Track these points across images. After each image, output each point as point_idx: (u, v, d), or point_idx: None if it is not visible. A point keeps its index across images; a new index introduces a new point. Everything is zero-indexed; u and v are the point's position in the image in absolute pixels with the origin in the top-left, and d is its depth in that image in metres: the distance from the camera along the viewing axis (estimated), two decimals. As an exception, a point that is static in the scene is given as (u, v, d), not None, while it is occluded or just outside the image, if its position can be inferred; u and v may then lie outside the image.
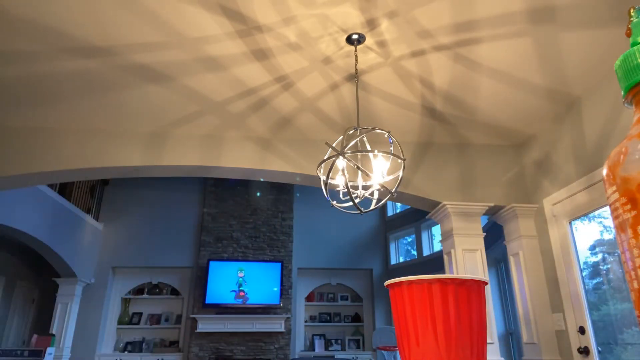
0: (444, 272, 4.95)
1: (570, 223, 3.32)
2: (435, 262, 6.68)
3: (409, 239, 7.89)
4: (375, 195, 2.56)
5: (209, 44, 2.65)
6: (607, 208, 2.67)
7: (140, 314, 7.27)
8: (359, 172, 2.46)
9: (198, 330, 6.69)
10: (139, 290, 7.40)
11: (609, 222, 3.13)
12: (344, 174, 2.44)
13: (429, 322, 0.47)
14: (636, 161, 0.36)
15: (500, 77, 2.96)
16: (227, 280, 6.96)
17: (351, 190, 2.41)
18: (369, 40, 2.61)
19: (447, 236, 3.78)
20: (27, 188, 5.02)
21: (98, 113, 3.43)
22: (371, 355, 7.28)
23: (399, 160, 2.40)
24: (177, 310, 7.32)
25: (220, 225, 7.36)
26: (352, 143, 2.43)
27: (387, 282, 0.51)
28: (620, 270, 3.04)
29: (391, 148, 2.51)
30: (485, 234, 3.72)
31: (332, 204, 2.60)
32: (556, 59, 2.78)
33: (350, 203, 2.45)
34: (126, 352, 6.89)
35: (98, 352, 6.70)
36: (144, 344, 7.00)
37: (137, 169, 3.69)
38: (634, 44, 0.43)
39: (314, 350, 7.29)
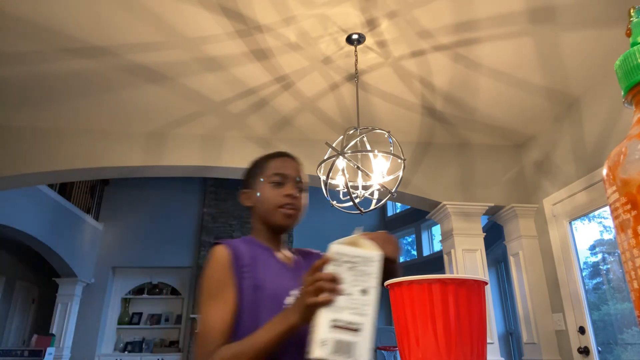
0: (444, 272, 4.96)
1: (570, 223, 3.33)
2: (435, 262, 6.68)
3: (409, 239, 7.90)
4: (375, 195, 2.56)
5: (209, 44, 2.65)
6: (607, 208, 2.68)
7: (140, 314, 7.27)
8: (359, 172, 2.46)
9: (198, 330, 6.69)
10: (139, 290, 7.40)
11: (609, 222, 3.13)
12: (344, 174, 2.44)
13: (429, 322, 0.47)
14: (636, 161, 0.36)
15: (500, 77, 2.96)
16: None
17: (351, 190, 2.41)
18: (369, 40, 2.61)
19: (447, 236, 3.78)
20: (27, 188, 5.02)
21: (98, 113, 3.43)
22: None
23: (399, 160, 2.40)
24: (177, 310, 7.32)
25: (220, 225, 7.36)
26: (352, 143, 2.43)
27: (387, 282, 0.51)
28: (620, 270, 3.05)
29: (391, 148, 2.51)
30: (485, 234, 3.72)
31: (332, 204, 2.60)
32: (556, 59, 2.78)
33: (350, 203, 2.45)
34: (126, 352, 6.89)
35: (98, 352, 6.70)
36: (144, 344, 7.00)
37: (137, 169, 3.70)
38: (634, 44, 0.43)
39: (314, 350, 7.30)
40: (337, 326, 0.73)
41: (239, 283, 1.01)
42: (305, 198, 1.17)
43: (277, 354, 0.90)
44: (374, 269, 0.78)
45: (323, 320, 0.74)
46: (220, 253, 1.04)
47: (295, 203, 1.12)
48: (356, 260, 0.78)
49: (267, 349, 0.87)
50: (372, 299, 0.75)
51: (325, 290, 0.76)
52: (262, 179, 1.15)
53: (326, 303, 0.75)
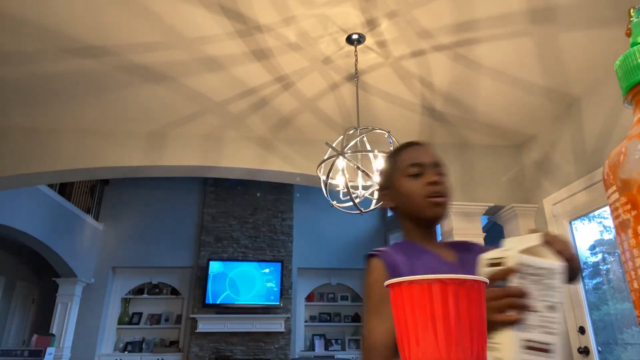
0: (444, 272, 4.93)
1: (570, 223, 3.32)
2: (435, 262, 6.66)
3: (409, 239, 7.89)
4: (375, 195, 2.56)
5: (209, 44, 2.65)
6: (607, 208, 2.68)
7: (140, 314, 7.27)
8: (359, 172, 2.46)
9: (198, 330, 6.69)
10: (139, 290, 7.40)
11: (609, 222, 3.13)
12: (344, 174, 2.44)
13: (429, 322, 0.47)
14: (636, 161, 0.36)
15: (500, 77, 2.96)
16: (227, 280, 6.96)
17: (351, 190, 2.41)
18: (369, 40, 2.61)
19: (447, 236, 3.78)
20: (27, 188, 5.02)
21: (98, 113, 3.43)
22: (371, 355, 7.27)
23: (399, 160, 2.40)
24: (177, 310, 7.32)
25: (220, 225, 7.36)
26: (352, 143, 2.43)
27: (387, 282, 0.51)
28: (620, 270, 3.05)
29: (391, 148, 2.51)
30: (485, 234, 3.72)
31: (332, 204, 2.60)
32: (556, 59, 2.78)
33: (350, 203, 2.45)
34: (126, 352, 6.89)
35: (98, 352, 6.70)
36: (144, 344, 7.00)
37: (137, 169, 3.70)
38: (634, 44, 0.43)
39: (314, 350, 7.30)
40: (530, 347, 0.66)
41: None
42: (448, 182, 1.08)
43: None
44: (558, 282, 0.71)
45: (513, 340, 0.66)
46: (375, 267, 0.99)
47: (441, 189, 1.04)
48: (541, 273, 0.69)
49: None
50: (559, 316, 0.68)
51: (515, 306, 0.67)
52: (399, 175, 1.07)
53: (517, 321, 0.66)
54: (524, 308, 0.67)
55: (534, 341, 0.65)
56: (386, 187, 1.13)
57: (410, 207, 1.05)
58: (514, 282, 0.68)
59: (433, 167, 1.06)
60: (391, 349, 0.90)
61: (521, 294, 0.67)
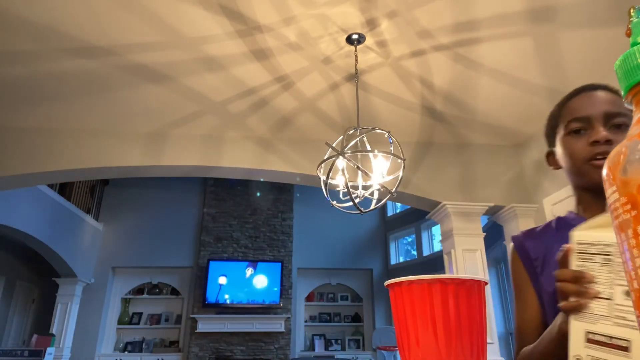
0: (444, 272, 4.96)
1: (570, 223, 3.32)
2: (435, 262, 6.68)
3: (409, 239, 7.90)
4: (375, 195, 2.56)
5: (209, 44, 2.65)
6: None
7: (140, 314, 7.27)
8: (359, 172, 2.46)
9: (198, 330, 6.69)
10: (139, 290, 7.40)
11: (609, 222, 3.12)
12: (344, 174, 2.44)
13: (429, 322, 0.47)
14: (636, 161, 0.36)
15: (500, 77, 2.96)
16: (227, 280, 6.96)
17: (351, 190, 2.41)
18: (369, 40, 2.61)
19: (447, 236, 3.78)
20: (27, 188, 5.02)
21: (98, 113, 3.43)
22: (371, 355, 7.28)
23: (399, 160, 2.40)
24: (177, 310, 7.32)
25: (220, 225, 7.36)
26: (352, 143, 2.43)
27: (387, 282, 0.51)
28: (620, 270, 3.04)
29: (391, 148, 2.51)
30: (485, 234, 3.72)
31: (332, 204, 2.60)
32: (556, 59, 2.77)
33: (350, 203, 2.45)
34: (126, 352, 6.89)
35: (98, 352, 6.70)
36: (144, 344, 7.00)
37: (137, 169, 3.69)
38: (634, 44, 0.43)
39: (314, 350, 7.30)
40: (593, 340, 0.54)
41: (537, 278, 0.86)
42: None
43: None
44: None
45: (576, 333, 0.56)
46: (510, 251, 0.94)
47: (609, 150, 0.80)
48: (611, 251, 0.55)
49: (546, 358, 0.71)
50: None
51: (568, 293, 0.57)
52: (562, 130, 0.90)
53: (574, 310, 0.56)
54: (580, 294, 0.56)
55: (603, 334, 0.53)
56: (550, 144, 0.96)
57: (572, 170, 0.88)
58: (574, 263, 0.58)
59: (603, 120, 0.85)
60: (528, 335, 0.84)
61: (573, 278, 0.57)
